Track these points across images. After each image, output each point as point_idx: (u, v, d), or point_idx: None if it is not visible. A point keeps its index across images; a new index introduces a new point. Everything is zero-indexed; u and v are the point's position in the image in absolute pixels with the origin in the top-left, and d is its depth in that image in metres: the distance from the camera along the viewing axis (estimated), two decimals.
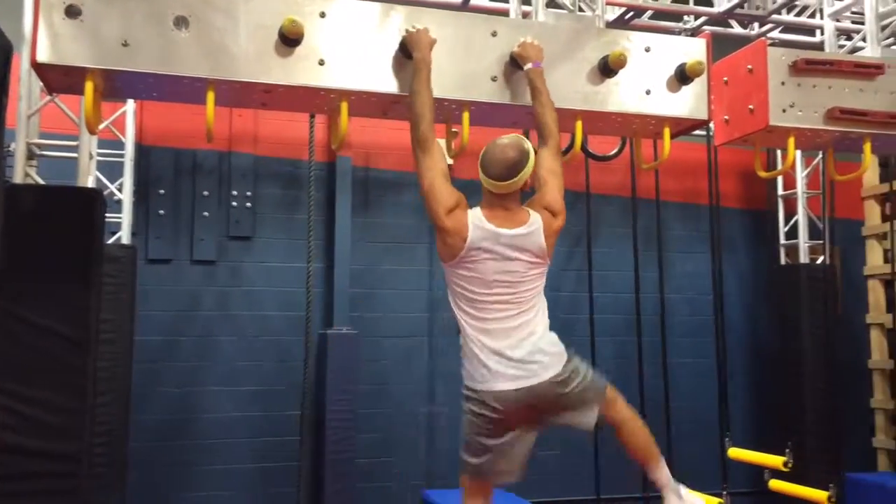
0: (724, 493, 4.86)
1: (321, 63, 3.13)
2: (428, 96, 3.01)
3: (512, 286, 2.88)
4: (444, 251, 2.92)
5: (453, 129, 3.64)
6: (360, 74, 3.19)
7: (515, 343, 2.84)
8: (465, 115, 3.37)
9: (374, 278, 6.26)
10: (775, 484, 5.35)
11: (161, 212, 5.78)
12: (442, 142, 5.18)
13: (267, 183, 6.08)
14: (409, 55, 3.16)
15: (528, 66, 3.24)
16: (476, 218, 2.89)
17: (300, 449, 5.37)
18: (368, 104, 3.34)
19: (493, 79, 3.33)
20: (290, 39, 3.06)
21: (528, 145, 2.96)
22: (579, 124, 3.48)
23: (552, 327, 2.97)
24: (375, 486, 6.05)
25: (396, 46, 3.21)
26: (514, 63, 3.31)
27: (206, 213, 5.86)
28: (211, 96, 3.09)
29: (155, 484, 5.59)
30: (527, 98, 3.27)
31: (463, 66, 3.32)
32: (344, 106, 3.23)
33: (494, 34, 3.35)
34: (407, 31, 3.17)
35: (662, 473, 3.02)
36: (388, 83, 3.23)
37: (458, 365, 6.75)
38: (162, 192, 5.81)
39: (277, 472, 5.78)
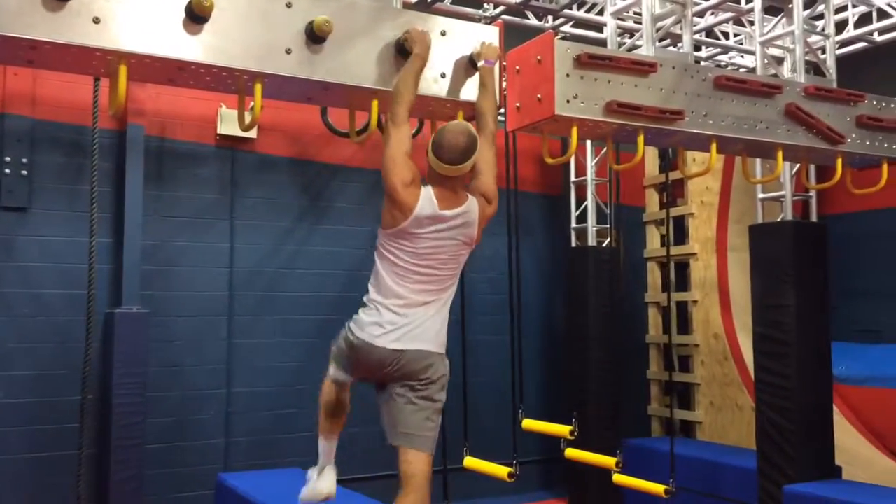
0: (514, 462, 5.13)
1: (96, 21, 2.89)
2: (413, 83, 3.21)
3: (439, 264, 3.13)
4: (388, 219, 3.10)
5: (251, 105, 3.51)
6: (142, 37, 2.98)
7: (419, 315, 3.10)
8: (258, 87, 3.24)
9: (169, 255, 5.95)
10: (570, 452, 5.77)
11: None
12: (233, 112, 4.96)
13: (46, 149, 5.58)
14: (405, 53, 3.31)
15: (482, 63, 3.50)
16: (427, 196, 3.09)
17: (80, 436, 5.02)
18: (151, 69, 3.13)
19: (288, 51, 3.23)
20: None
21: (475, 132, 3.19)
22: (375, 103, 3.46)
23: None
24: (167, 472, 5.79)
25: (184, 9, 3.03)
26: (471, 62, 3.53)
27: None
28: None
29: None
30: (320, 74, 3.24)
31: (257, 36, 3.19)
32: (122, 69, 3.00)
33: (289, 6, 3.25)
34: (409, 31, 3.32)
35: None
36: (173, 48, 3.04)
37: (258, 346, 6.50)
38: None
39: (54, 461, 5.37)
